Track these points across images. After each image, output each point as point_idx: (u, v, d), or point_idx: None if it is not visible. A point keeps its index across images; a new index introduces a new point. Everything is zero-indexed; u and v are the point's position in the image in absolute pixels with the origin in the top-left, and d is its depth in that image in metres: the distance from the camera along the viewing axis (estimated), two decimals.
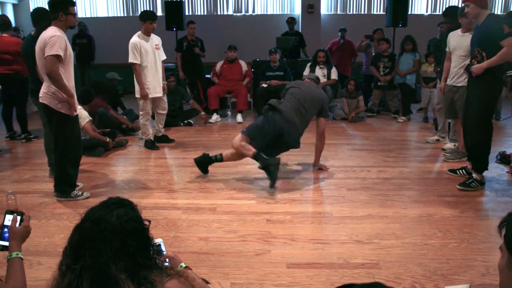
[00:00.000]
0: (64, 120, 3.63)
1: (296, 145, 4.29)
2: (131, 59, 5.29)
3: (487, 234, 3.05)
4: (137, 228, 1.43)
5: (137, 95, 5.45)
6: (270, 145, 4.15)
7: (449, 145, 5.06)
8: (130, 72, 5.47)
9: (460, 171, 4.30)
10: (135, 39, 5.33)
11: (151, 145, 5.61)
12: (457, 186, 3.94)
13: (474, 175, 3.96)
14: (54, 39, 3.41)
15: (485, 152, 3.92)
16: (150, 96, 5.44)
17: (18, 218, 1.74)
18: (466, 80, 4.47)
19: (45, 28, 3.69)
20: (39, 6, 4.37)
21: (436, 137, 5.69)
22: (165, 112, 5.85)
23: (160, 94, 5.60)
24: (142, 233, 1.45)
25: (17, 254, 1.67)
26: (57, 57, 3.42)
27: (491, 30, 3.63)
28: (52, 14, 3.55)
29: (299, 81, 4.78)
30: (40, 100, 3.65)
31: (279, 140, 4.16)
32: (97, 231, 1.37)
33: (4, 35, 5.70)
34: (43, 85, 3.65)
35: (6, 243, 1.70)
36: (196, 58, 7.91)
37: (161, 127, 5.89)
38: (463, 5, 3.98)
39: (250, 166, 4.72)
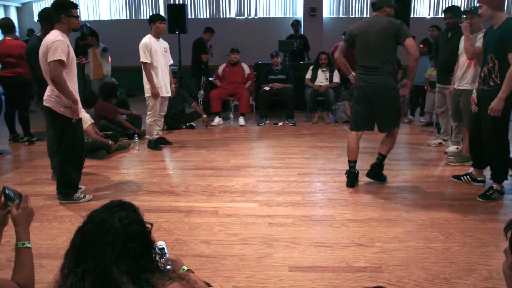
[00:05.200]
0: (68, 123, 3.64)
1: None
2: (142, 58, 5.37)
3: (490, 238, 3.04)
4: (139, 231, 1.43)
5: (147, 94, 5.50)
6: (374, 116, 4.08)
7: (452, 148, 5.05)
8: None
9: (465, 177, 4.20)
10: (145, 40, 5.43)
11: (154, 145, 5.65)
12: (478, 199, 3.76)
13: (495, 186, 3.79)
14: (56, 44, 3.41)
15: (504, 162, 3.77)
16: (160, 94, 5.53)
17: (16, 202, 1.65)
18: (469, 83, 4.47)
19: (49, 29, 3.72)
20: (42, 8, 4.34)
21: (438, 141, 5.67)
22: (163, 113, 5.90)
23: (167, 95, 5.69)
24: (144, 236, 1.44)
25: (23, 244, 1.62)
26: (60, 62, 3.43)
27: (506, 37, 3.41)
28: (54, 17, 3.56)
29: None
30: (44, 103, 3.66)
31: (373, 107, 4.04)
32: (99, 234, 1.37)
33: (7, 38, 5.73)
34: (48, 88, 3.66)
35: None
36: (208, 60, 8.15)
37: (159, 129, 5.90)
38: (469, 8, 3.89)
39: (252, 169, 4.73)
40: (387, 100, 3.98)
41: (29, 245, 1.64)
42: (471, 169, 4.22)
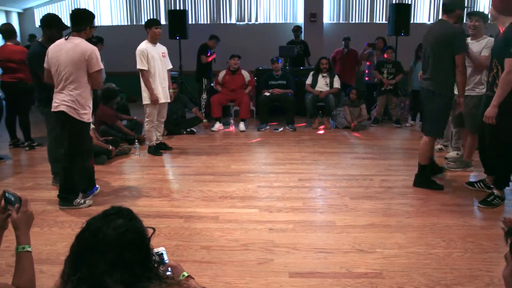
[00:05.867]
0: (80, 128, 3.70)
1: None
2: (139, 65, 5.36)
3: (492, 244, 3.03)
4: (135, 239, 1.40)
5: (145, 101, 5.49)
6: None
7: (452, 154, 5.04)
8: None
9: (478, 184, 4.15)
10: (142, 46, 5.42)
11: (154, 150, 5.66)
12: (478, 205, 3.74)
13: (496, 192, 3.76)
14: (95, 54, 3.62)
15: (507, 168, 3.73)
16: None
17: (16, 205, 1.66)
18: (470, 89, 4.45)
19: (51, 35, 3.91)
20: (44, 14, 4.35)
21: (438, 146, 5.67)
22: (163, 120, 5.89)
23: (165, 100, 5.67)
24: (140, 245, 1.42)
25: (23, 248, 1.63)
26: (101, 70, 3.73)
27: (506, 42, 3.37)
28: (77, 26, 3.66)
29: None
30: (57, 109, 3.65)
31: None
32: (93, 242, 1.35)
33: (8, 43, 5.74)
34: (61, 93, 3.65)
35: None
36: (211, 65, 8.21)
37: (159, 135, 5.90)
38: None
39: (252, 175, 4.72)
40: (430, 106, 4.04)
41: (29, 249, 1.64)
42: (471, 174, 4.20)
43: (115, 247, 1.35)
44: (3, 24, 6.08)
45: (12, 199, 1.66)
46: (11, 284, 1.58)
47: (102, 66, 3.69)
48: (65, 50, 3.62)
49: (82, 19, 3.67)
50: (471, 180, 4.39)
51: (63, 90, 3.65)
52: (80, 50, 3.57)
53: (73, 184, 3.80)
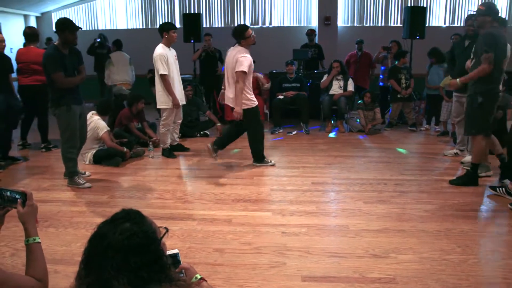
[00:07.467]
0: (253, 112, 5.05)
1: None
2: (161, 71, 5.32)
3: (508, 251, 2.97)
4: (141, 243, 1.39)
5: (162, 105, 5.53)
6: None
7: (468, 158, 4.97)
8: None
9: (500, 189, 4.07)
10: (160, 50, 5.38)
11: (168, 153, 5.69)
12: (509, 206, 3.71)
13: None
14: (241, 59, 4.78)
15: None
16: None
17: (20, 201, 1.69)
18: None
19: (65, 39, 4.06)
20: (61, 17, 4.42)
21: (454, 151, 5.60)
22: (180, 121, 5.93)
23: (182, 103, 5.75)
24: (148, 248, 1.41)
25: (34, 240, 1.66)
26: (243, 71, 4.81)
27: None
28: (236, 38, 5.04)
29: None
30: (243, 108, 4.89)
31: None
32: (101, 247, 1.36)
33: (32, 46, 5.83)
34: (242, 95, 4.85)
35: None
36: (214, 68, 8.05)
37: (176, 136, 5.94)
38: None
39: (266, 178, 4.72)
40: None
41: (39, 240, 1.68)
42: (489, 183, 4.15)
43: (121, 252, 1.35)
44: (28, 27, 6.17)
45: (16, 196, 1.69)
46: (25, 274, 1.61)
47: (243, 69, 4.78)
48: (231, 56, 4.93)
49: (238, 34, 4.98)
50: (490, 183, 4.33)
51: (230, 88, 4.93)
52: (237, 56, 4.82)
53: (261, 149, 5.22)
